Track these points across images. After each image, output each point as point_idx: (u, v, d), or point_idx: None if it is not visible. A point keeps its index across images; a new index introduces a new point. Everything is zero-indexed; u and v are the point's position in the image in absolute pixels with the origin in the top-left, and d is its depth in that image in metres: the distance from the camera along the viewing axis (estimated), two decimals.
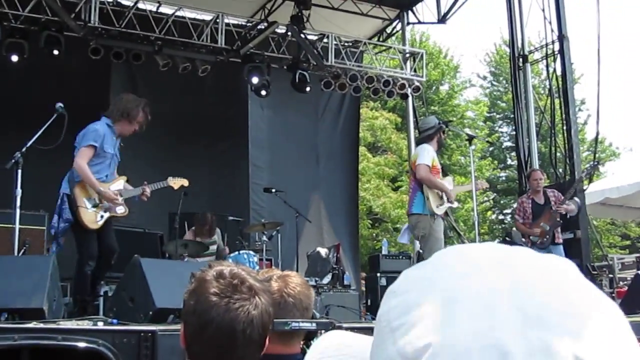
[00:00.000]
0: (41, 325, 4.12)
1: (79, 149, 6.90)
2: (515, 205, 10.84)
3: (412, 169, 8.49)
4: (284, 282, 2.82)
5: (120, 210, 7.10)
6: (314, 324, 2.76)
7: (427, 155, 8.27)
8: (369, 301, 11.62)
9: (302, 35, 12.70)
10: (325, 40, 13.71)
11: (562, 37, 12.24)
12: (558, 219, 9.71)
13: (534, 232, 9.68)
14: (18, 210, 6.61)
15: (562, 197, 9.81)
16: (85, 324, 4.49)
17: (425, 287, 0.68)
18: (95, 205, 6.85)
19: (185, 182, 7.99)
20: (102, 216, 6.96)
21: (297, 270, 10.63)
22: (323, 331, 4.33)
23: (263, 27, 12.96)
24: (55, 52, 11.04)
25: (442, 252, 0.74)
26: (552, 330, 0.61)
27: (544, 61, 13.16)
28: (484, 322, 0.62)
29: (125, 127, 7.17)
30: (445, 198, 8.26)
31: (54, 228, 7.00)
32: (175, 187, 7.93)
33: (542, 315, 0.62)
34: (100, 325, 4.41)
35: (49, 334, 3.78)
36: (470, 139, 9.40)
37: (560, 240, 9.82)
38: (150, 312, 5.18)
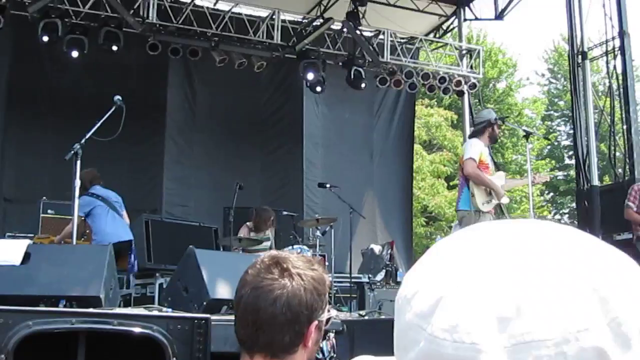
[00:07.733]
0: (98, 310, 4.20)
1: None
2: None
3: (461, 165, 8.29)
4: None
5: None
6: None
7: (473, 150, 7.95)
8: None
9: (358, 32, 12.70)
10: (380, 36, 13.64)
11: (622, 33, 11.92)
12: None
13: None
14: (77, 201, 6.73)
15: None
16: (140, 311, 4.56)
17: (432, 266, 0.72)
18: None
19: None
20: None
21: (350, 267, 10.65)
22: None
23: (319, 23, 12.97)
24: (114, 47, 11.23)
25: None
26: (567, 275, 0.64)
27: (604, 58, 12.87)
28: (491, 274, 0.66)
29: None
30: (493, 194, 8.03)
31: (132, 267, 8.26)
32: None
33: (548, 264, 0.65)
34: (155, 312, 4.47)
35: (105, 318, 3.85)
36: (527, 135, 9.22)
37: None
38: (204, 303, 5.22)
